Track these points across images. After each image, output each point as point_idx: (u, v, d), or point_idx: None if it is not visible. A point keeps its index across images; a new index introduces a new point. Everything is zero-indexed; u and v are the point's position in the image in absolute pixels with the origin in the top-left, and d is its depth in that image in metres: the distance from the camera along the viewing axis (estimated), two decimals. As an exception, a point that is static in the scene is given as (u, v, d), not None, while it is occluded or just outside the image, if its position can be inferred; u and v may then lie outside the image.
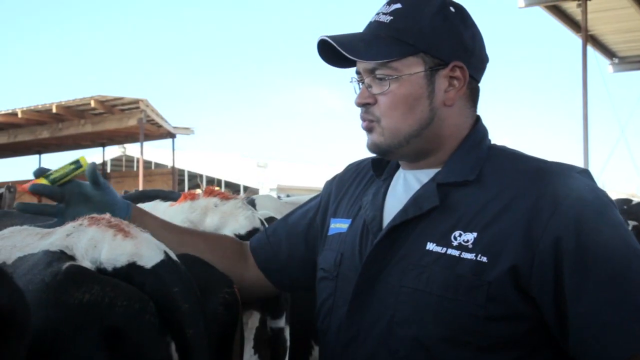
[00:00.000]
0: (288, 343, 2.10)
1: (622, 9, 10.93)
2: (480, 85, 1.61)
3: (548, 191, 1.38)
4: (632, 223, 4.30)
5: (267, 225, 1.96)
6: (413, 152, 1.56)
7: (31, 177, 1.62)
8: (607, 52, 13.49)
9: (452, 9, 1.54)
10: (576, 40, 11.41)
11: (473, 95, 1.59)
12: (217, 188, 2.03)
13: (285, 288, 1.83)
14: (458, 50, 1.52)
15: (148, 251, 1.25)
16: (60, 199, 1.63)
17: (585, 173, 1.47)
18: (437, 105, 1.53)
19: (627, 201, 5.77)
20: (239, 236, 1.90)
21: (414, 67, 1.50)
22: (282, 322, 2.01)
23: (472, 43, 1.55)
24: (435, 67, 1.51)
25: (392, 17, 1.52)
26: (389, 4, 1.56)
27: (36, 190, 1.58)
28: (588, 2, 10.31)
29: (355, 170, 1.78)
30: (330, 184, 1.83)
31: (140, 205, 2.03)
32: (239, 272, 1.72)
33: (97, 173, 1.64)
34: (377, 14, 1.56)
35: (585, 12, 10.39)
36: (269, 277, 1.78)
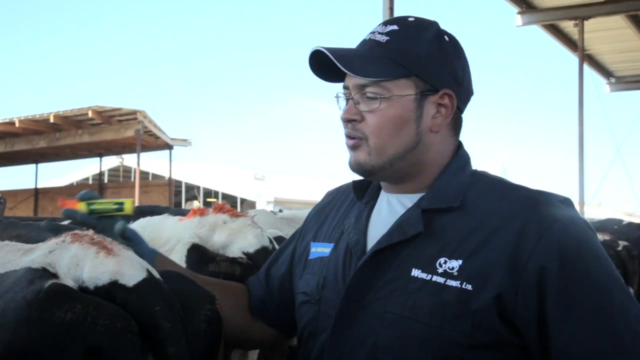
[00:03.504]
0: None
1: (619, 29, 10.98)
2: (463, 116, 1.62)
3: (532, 220, 1.40)
4: (622, 243, 4.31)
5: (275, 244, 1.97)
6: (394, 175, 1.56)
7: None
8: (604, 71, 13.53)
9: (446, 38, 1.56)
10: (573, 59, 11.46)
11: (456, 124, 1.60)
12: (215, 200, 2.04)
13: (282, 329, 1.80)
14: (449, 78, 1.54)
15: (130, 269, 1.24)
16: (93, 228, 1.53)
17: (567, 202, 1.49)
18: (424, 131, 1.53)
19: (617, 221, 5.80)
20: (248, 254, 1.90)
21: (405, 90, 1.51)
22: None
23: (462, 74, 1.57)
24: (426, 92, 1.52)
25: (388, 38, 1.52)
26: (385, 24, 1.56)
27: (69, 216, 1.59)
28: (585, 22, 10.35)
29: (335, 196, 1.78)
30: (310, 213, 1.83)
31: (148, 219, 2.04)
32: (254, 325, 1.75)
33: (127, 229, 1.63)
34: (373, 32, 1.56)
35: (582, 32, 10.42)
36: (264, 319, 1.77)
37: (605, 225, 5.34)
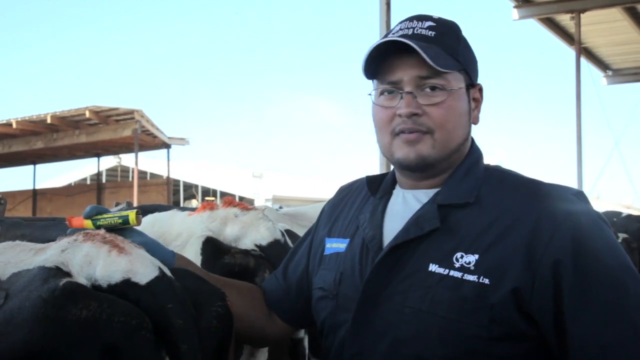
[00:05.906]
0: (307, 351, 2.12)
1: (616, 22, 10.99)
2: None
3: (546, 214, 1.41)
4: (621, 235, 4.34)
5: (287, 237, 1.98)
6: (444, 167, 1.57)
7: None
8: (601, 64, 13.54)
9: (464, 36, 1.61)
10: (570, 52, 11.48)
11: None
12: (213, 199, 2.05)
13: (299, 325, 1.83)
14: (476, 73, 1.61)
15: (142, 267, 1.26)
16: None
17: (580, 195, 1.50)
18: (470, 123, 1.59)
19: (616, 214, 5.82)
20: (260, 247, 1.92)
21: (460, 82, 1.55)
22: (301, 333, 2.04)
23: (478, 69, 1.63)
24: (469, 85, 1.57)
25: (434, 32, 1.53)
26: (419, 20, 1.56)
27: None
28: (582, 15, 10.37)
29: (347, 192, 1.80)
30: (323, 208, 1.84)
31: (156, 215, 2.05)
32: (267, 323, 1.76)
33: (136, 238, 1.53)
34: (412, 27, 1.55)
35: (578, 25, 10.44)
36: (282, 317, 1.78)
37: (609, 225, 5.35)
